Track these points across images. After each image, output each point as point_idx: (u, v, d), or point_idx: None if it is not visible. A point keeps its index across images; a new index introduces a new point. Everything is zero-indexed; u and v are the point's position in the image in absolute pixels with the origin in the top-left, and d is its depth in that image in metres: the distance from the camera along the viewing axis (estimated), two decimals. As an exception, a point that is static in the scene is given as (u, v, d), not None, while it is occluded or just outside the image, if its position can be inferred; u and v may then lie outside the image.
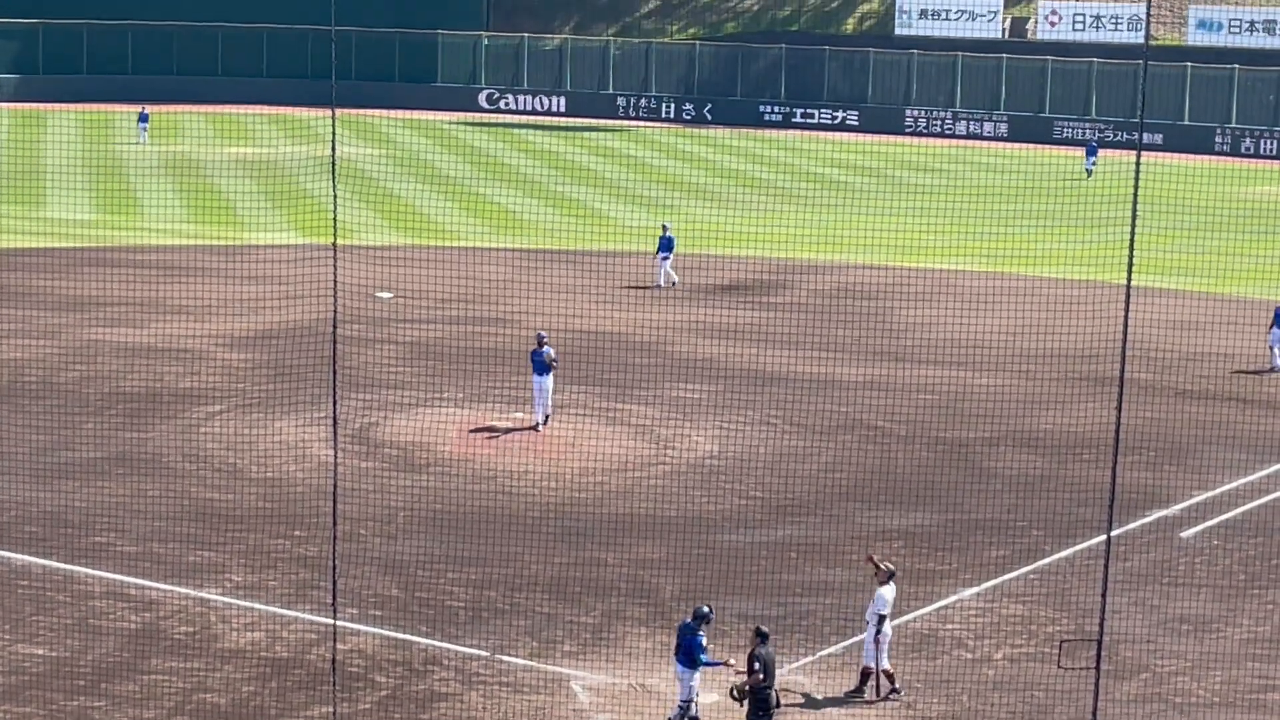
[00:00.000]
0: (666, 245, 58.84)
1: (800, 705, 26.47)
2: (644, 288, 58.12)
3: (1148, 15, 21.71)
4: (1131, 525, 34.80)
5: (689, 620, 25.23)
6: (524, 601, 30.27)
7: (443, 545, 32.58)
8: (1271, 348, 49.23)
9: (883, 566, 27.02)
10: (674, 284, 58.64)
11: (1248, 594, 31.82)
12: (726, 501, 36.08)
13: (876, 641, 26.59)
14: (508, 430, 40.98)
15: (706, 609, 25.37)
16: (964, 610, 30.48)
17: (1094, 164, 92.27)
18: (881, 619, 26.54)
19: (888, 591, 26.65)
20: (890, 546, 33.49)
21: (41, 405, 41.68)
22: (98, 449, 38.37)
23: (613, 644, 28.61)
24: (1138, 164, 22.90)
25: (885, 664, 26.75)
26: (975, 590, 31.43)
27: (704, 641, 24.99)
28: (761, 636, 24.48)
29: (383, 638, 28.52)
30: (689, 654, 24.90)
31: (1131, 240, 22.89)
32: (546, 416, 41.13)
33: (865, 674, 26.81)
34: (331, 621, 26.03)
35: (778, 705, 24.58)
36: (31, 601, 29.59)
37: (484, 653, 28.05)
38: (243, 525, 33.68)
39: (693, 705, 25.02)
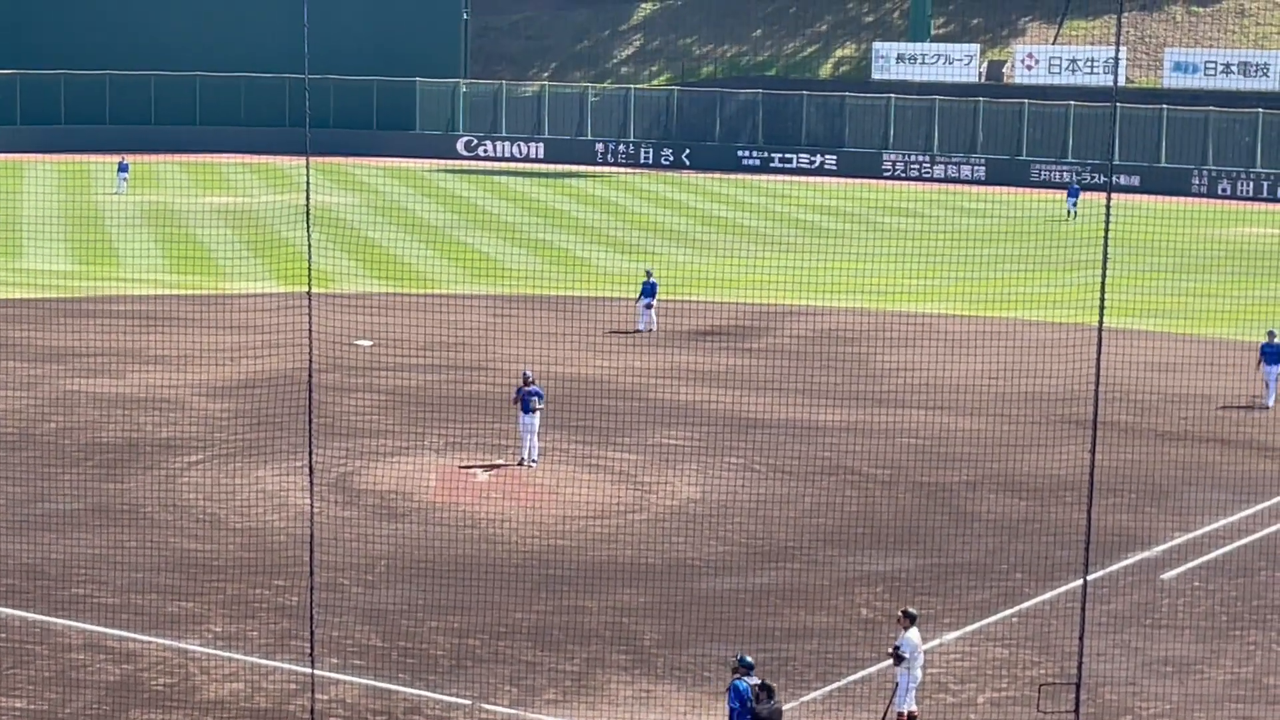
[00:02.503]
0: (649, 290, 58.88)
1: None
2: (624, 333, 58.12)
3: (1116, 58, 21.80)
4: (1113, 567, 34.78)
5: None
6: (506, 649, 30.16)
7: (424, 593, 32.47)
8: (1267, 384, 49.26)
9: (900, 614, 26.99)
10: (650, 330, 58.66)
11: (1230, 635, 31.79)
12: (708, 547, 36.01)
13: (897, 683, 26.58)
14: (489, 474, 40.91)
15: (747, 659, 24.91)
16: (946, 654, 30.41)
17: (1075, 205, 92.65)
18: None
19: (913, 635, 26.58)
20: (872, 591, 33.46)
21: (19, 456, 41.53)
22: (76, 500, 38.22)
23: (595, 691, 28.50)
24: (1108, 207, 22.97)
25: (911, 707, 26.64)
26: (957, 634, 31.37)
27: (743, 686, 24.41)
28: (767, 691, 24.20)
29: (364, 687, 28.39)
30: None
31: (1103, 282, 22.96)
32: (534, 460, 41.20)
33: (900, 717, 26.73)
34: (311, 671, 25.91)
35: None
36: (10, 654, 29.41)
37: (466, 701, 27.93)
38: (222, 575, 33.54)
39: None
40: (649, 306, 58.76)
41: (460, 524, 37.14)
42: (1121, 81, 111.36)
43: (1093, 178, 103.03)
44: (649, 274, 59.88)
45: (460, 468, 41.67)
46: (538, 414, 41.21)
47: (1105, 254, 22.91)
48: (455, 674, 29.02)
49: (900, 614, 26.98)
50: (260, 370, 50.16)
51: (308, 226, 24.53)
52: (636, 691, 28.37)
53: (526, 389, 41.13)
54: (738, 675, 24.44)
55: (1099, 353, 23.66)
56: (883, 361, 54.62)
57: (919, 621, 26.92)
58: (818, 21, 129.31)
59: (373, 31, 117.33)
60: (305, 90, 25.61)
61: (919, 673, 26.70)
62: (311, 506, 26.25)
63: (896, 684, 26.67)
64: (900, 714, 26.64)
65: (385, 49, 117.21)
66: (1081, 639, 23.70)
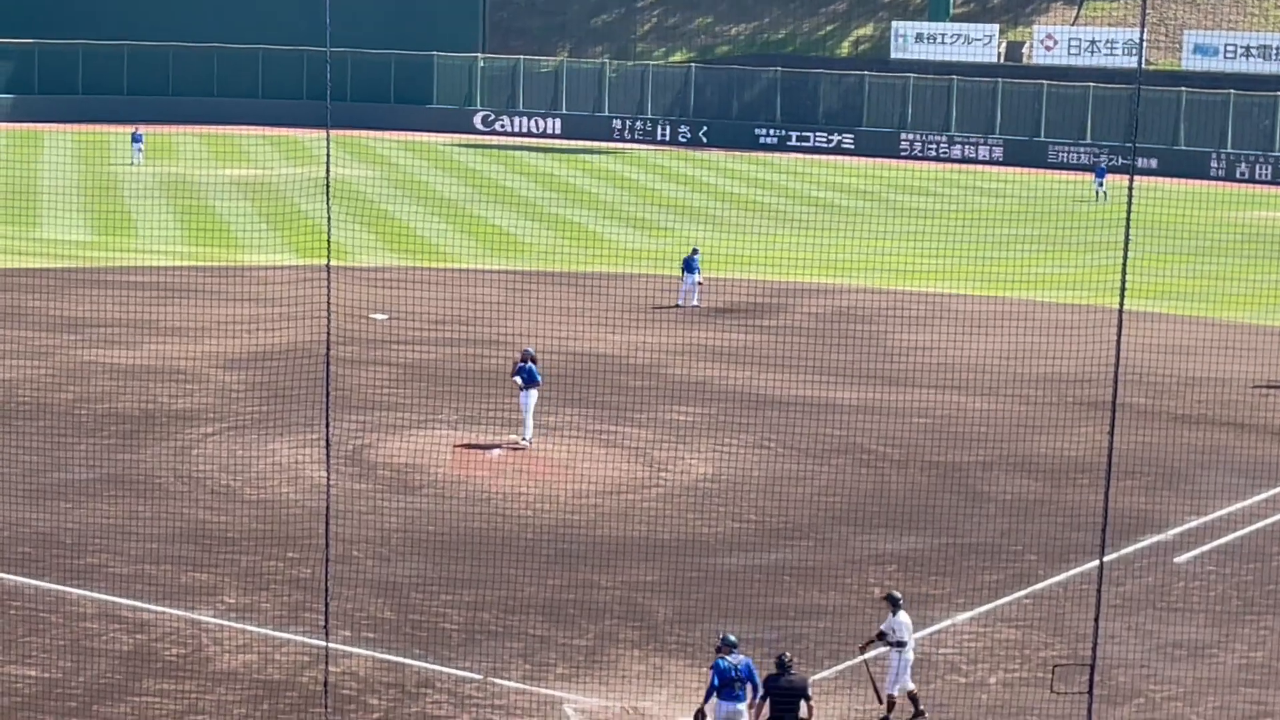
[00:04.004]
0: (689, 266, 59.27)
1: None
2: (640, 309, 58.05)
3: (1141, 40, 21.72)
4: (1126, 550, 34.74)
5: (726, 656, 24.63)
6: (517, 624, 30.20)
7: (436, 567, 32.51)
8: None
9: (884, 598, 26.96)
10: (679, 305, 59.00)
11: (1243, 619, 31.76)
12: (721, 524, 36.03)
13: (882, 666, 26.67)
14: (503, 449, 40.93)
15: (730, 637, 24.81)
16: (958, 634, 30.41)
17: (1103, 185, 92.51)
18: (897, 644, 26.55)
19: (903, 617, 26.61)
20: (884, 570, 33.46)
21: (34, 426, 41.60)
22: (91, 470, 38.30)
23: (606, 667, 28.53)
24: (1130, 190, 22.89)
25: (909, 686, 26.67)
26: (969, 614, 31.36)
27: (724, 665, 24.49)
28: (780, 665, 24.20)
29: (376, 660, 28.44)
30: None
31: (1124, 264, 22.89)
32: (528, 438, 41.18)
33: (892, 701, 26.72)
34: (324, 643, 25.96)
35: None
36: (24, 622, 29.50)
37: (477, 675, 27.98)
38: (236, 547, 33.60)
39: None
40: (693, 282, 59.17)
41: (474, 498, 37.18)
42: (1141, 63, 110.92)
43: (1110, 159, 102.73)
44: (695, 251, 60.28)
45: (474, 443, 41.68)
46: (535, 391, 41.08)
47: (1127, 236, 22.85)
48: (467, 648, 29.07)
49: (885, 598, 26.93)
50: (276, 342, 50.18)
51: (327, 199, 24.52)
52: (648, 667, 28.40)
53: (527, 365, 40.99)
54: (721, 654, 24.44)
55: (1119, 336, 23.59)
56: (897, 341, 54.57)
57: (913, 606, 26.91)
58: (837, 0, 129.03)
59: (391, 5, 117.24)
60: (327, 63, 25.53)
61: (910, 654, 26.72)
62: (329, 479, 26.26)
63: (888, 665, 26.66)
64: (891, 695, 26.64)
65: (403, 23, 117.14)
66: (1097, 620, 23.67)
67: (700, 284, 59.44)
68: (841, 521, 36.40)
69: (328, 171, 24.23)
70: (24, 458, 38.66)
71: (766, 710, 23.93)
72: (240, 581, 31.79)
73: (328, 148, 24.35)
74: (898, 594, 27.05)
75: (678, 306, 59.06)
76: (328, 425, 25.30)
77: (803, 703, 24.00)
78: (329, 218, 24.78)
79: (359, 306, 52.82)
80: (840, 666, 28.55)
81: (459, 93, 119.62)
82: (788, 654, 24.47)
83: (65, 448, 39.77)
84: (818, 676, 28.25)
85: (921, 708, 26.76)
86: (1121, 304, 23.38)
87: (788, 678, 24.01)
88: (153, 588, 31.17)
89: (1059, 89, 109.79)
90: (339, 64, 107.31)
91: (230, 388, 46.16)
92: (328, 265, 24.04)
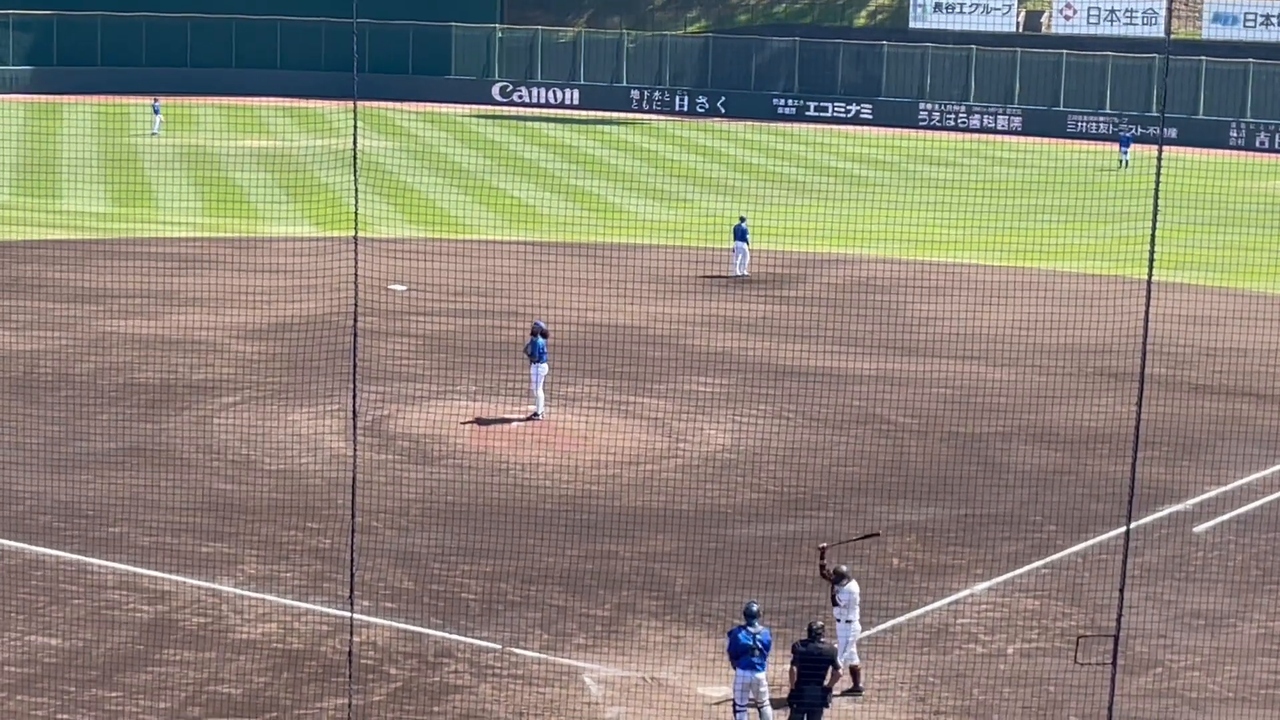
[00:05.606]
0: (740, 234, 59.51)
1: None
2: (662, 281, 58.06)
3: (1169, 9, 21.59)
4: (1145, 520, 34.74)
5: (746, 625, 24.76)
6: (536, 594, 30.28)
7: (456, 538, 32.60)
8: None
9: (835, 570, 26.89)
10: (742, 274, 59.45)
11: (1262, 589, 31.77)
12: (739, 495, 36.07)
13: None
14: (522, 420, 40.99)
15: (753, 607, 24.99)
16: (977, 604, 30.46)
17: (1128, 154, 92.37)
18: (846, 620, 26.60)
19: (853, 587, 26.64)
20: (904, 540, 33.49)
21: (56, 396, 41.74)
22: (112, 440, 38.42)
23: (625, 637, 28.61)
24: (1159, 159, 22.82)
25: (854, 661, 26.72)
26: (988, 584, 31.40)
27: (744, 636, 24.59)
28: (811, 633, 24.36)
29: (395, 630, 28.54)
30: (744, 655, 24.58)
31: (1153, 237, 22.83)
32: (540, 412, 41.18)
33: (855, 672, 26.81)
34: (347, 614, 26.06)
35: (825, 704, 24.46)
36: (45, 592, 29.63)
37: (496, 645, 28.06)
38: (256, 517, 33.71)
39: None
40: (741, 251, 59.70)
41: (493, 469, 37.25)
42: (1160, 32, 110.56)
43: (1130, 129, 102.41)
44: (742, 219, 60.45)
45: (492, 414, 41.73)
46: (542, 366, 41.00)
47: (1155, 208, 22.78)
48: (486, 618, 29.15)
49: (834, 570, 26.83)
50: (295, 314, 50.28)
51: (354, 172, 24.53)
52: (666, 638, 28.48)
53: (535, 339, 40.90)
54: (745, 623, 24.56)
55: (1147, 307, 23.55)
56: (917, 311, 54.52)
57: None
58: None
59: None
60: (354, 34, 25.61)
61: (858, 625, 26.73)
62: (354, 450, 26.37)
63: (836, 637, 26.63)
64: (856, 666, 26.67)
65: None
66: (1122, 591, 23.67)
67: (732, 250, 59.78)
68: (860, 492, 36.43)
69: (355, 144, 24.25)
70: (45, 428, 38.82)
71: (796, 674, 24.22)
72: (260, 551, 31.91)
73: (354, 120, 24.37)
74: (844, 568, 26.95)
75: (738, 277, 59.30)
76: (355, 396, 25.36)
77: (830, 669, 24.25)
78: (356, 191, 24.79)
79: (378, 277, 52.80)
80: (859, 636, 28.55)
81: (477, 63, 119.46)
82: (819, 622, 24.67)
83: (86, 418, 39.90)
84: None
85: (860, 684, 26.69)
86: (1150, 276, 23.35)
87: (816, 645, 24.26)
88: (173, 558, 31.29)
89: (1078, 58, 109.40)
90: (358, 34, 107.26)
91: (250, 358, 46.26)
92: (354, 238, 24.06)
